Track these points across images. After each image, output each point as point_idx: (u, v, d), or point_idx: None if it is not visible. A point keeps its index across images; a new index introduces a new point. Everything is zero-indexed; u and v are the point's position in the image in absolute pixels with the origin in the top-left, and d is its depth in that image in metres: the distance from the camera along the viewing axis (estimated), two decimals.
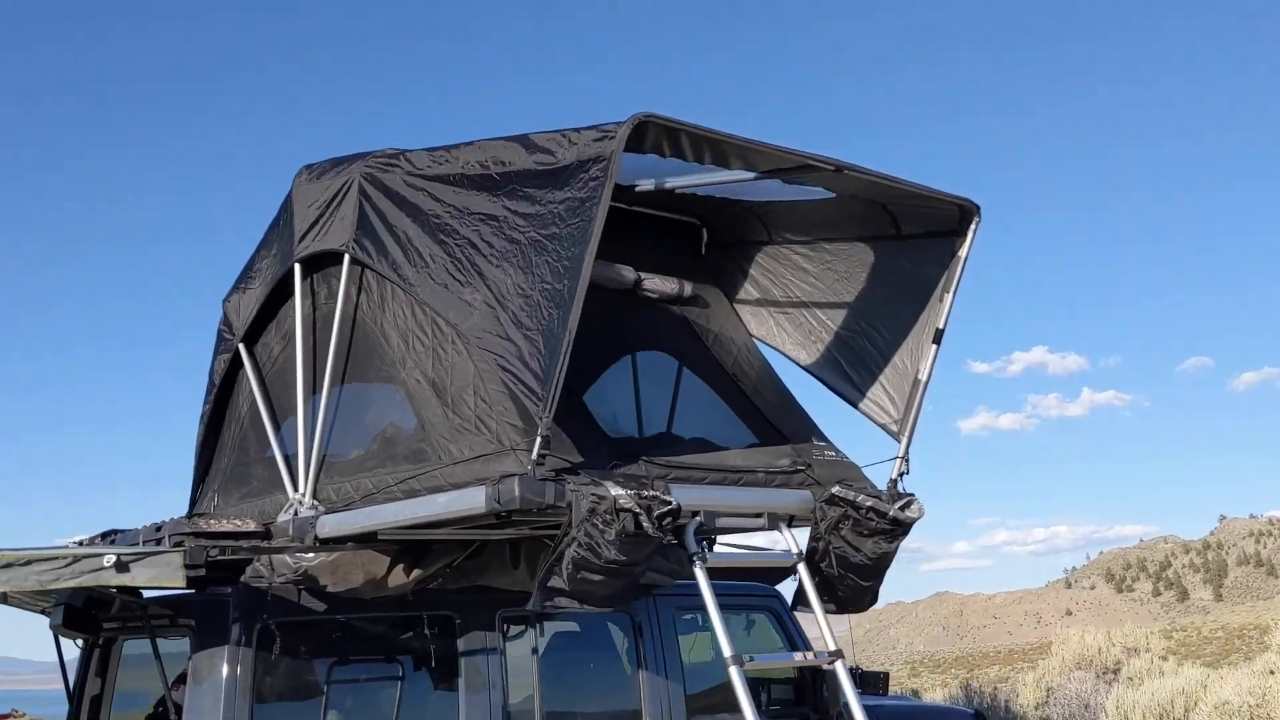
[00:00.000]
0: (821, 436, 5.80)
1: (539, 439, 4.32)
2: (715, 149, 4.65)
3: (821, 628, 5.17)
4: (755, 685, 6.40)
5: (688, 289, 6.00)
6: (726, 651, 4.55)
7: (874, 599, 5.52)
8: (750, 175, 5.21)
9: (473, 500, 4.41)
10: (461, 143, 5.03)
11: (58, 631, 5.72)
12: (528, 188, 4.58)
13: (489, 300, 4.64)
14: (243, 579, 5.22)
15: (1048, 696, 16.41)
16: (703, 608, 6.27)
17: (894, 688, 14.09)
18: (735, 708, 4.50)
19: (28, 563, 4.64)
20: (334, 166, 5.71)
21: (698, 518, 4.79)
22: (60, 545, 5.16)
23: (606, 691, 6.30)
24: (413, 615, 5.58)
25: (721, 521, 5.01)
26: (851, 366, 5.96)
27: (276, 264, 5.94)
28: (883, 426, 5.75)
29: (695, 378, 5.84)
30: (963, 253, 5.40)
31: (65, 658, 6.05)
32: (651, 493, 4.44)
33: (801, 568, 5.19)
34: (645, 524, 4.31)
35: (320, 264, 5.67)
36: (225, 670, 5.05)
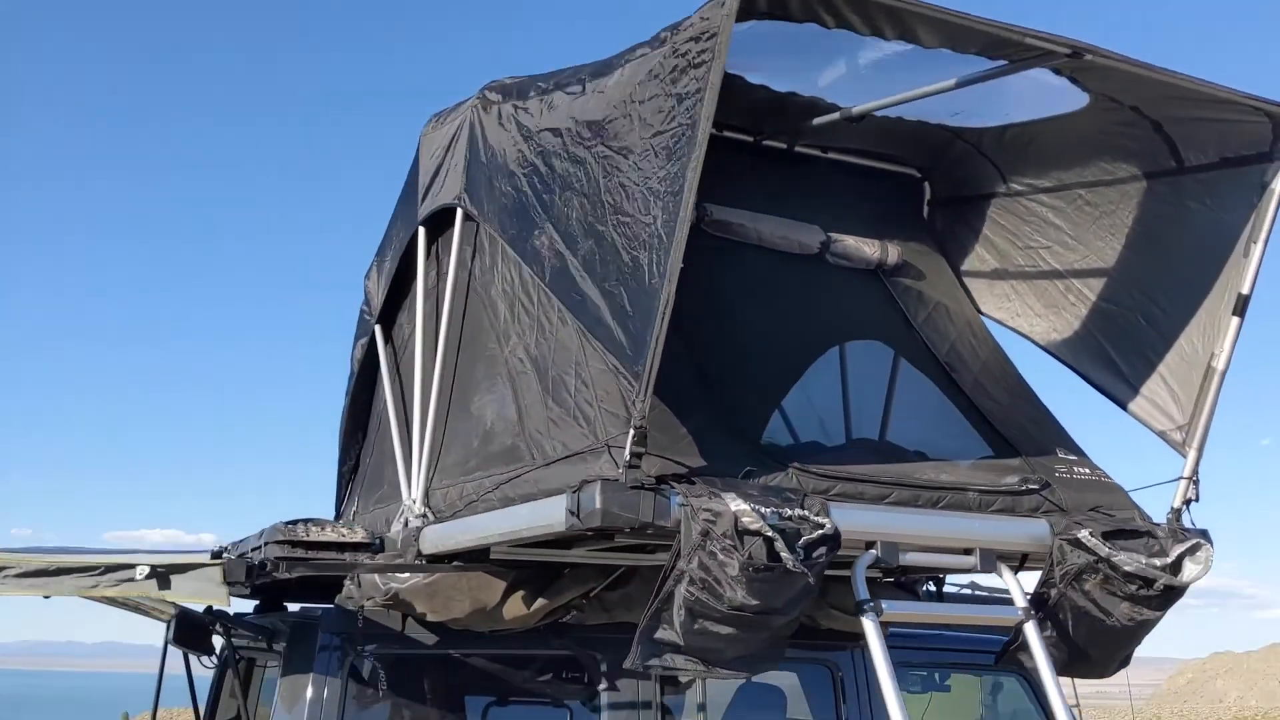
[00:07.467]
0: (1071, 447, 4.56)
1: (632, 432, 3.33)
2: (891, 15, 3.51)
3: (1052, 701, 3.79)
4: None
5: (893, 254, 4.86)
6: None
7: (1123, 664, 4.36)
8: (950, 83, 4.06)
9: (550, 514, 3.48)
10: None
11: (174, 647, 5.29)
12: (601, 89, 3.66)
13: (555, 243, 3.75)
14: (336, 599, 4.56)
15: None
16: (937, 662, 5.40)
17: None
18: None
19: (60, 571, 4.17)
20: (456, 107, 4.91)
21: (872, 550, 3.71)
22: (99, 550, 4.66)
23: None
24: (544, 654, 4.62)
25: (910, 557, 3.82)
26: (1119, 350, 4.75)
27: (404, 229, 5.24)
28: (1161, 434, 4.51)
29: (893, 367, 4.70)
30: (1276, 185, 4.10)
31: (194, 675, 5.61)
32: (798, 511, 3.39)
33: (1030, 629, 3.91)
34: (784, 554, 3.26)
35: (443, 225, 4.88)
36: (308, 705, 4.35)
